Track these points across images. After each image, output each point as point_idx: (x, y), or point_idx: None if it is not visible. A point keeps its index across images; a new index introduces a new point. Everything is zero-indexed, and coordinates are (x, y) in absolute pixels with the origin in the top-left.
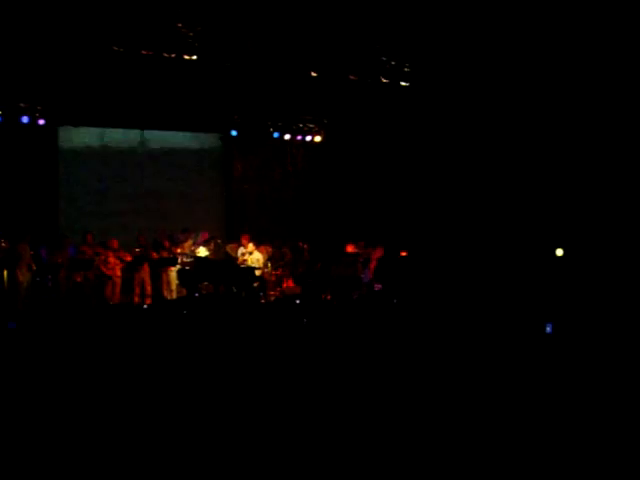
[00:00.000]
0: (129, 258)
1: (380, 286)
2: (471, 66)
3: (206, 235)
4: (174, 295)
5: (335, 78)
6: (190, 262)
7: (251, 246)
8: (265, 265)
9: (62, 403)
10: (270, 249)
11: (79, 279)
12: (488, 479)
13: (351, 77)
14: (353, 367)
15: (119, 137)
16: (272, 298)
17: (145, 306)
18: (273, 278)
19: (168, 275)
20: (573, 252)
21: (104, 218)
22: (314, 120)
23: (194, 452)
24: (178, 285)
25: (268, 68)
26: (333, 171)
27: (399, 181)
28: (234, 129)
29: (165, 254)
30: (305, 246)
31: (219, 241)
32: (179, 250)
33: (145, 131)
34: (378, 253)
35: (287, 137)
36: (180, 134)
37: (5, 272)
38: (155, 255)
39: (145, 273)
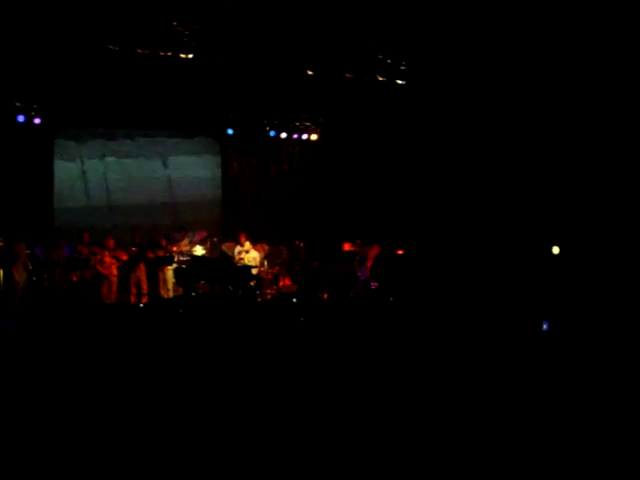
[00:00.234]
0: (125, 257)
1: (377, 284)
2: (467, 64)
3: (203, 234)
4: (171, 294)
5: (331, 76)
6: (186, 261)
7: (248, 245)
8: (261, 263)
9: (60, 403)
10: (267, 247)
11: (75, 278)
12: (486, 478)
13: (347, 75)
14: (350, 365)
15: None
16: (269, 296)
17: (141, 305)
18: (270, 276)
19: (165, 274)
20: (569, 250)
21: (100, 217)
22: (310, 118)
23: (191, 451)
24: (174, 284)
25: (264, 66)
26: (329, 169)
27: (396, 179)
28: (230, 128)
29: (161, 253)
30: (302, 244)
31: (215, 240)
32: (175, 249)
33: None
34: (375, 251)
35: (283, 135)
36: (175, 132)
37: (1, 271)
38: (151, 254)
39: (141, 272)
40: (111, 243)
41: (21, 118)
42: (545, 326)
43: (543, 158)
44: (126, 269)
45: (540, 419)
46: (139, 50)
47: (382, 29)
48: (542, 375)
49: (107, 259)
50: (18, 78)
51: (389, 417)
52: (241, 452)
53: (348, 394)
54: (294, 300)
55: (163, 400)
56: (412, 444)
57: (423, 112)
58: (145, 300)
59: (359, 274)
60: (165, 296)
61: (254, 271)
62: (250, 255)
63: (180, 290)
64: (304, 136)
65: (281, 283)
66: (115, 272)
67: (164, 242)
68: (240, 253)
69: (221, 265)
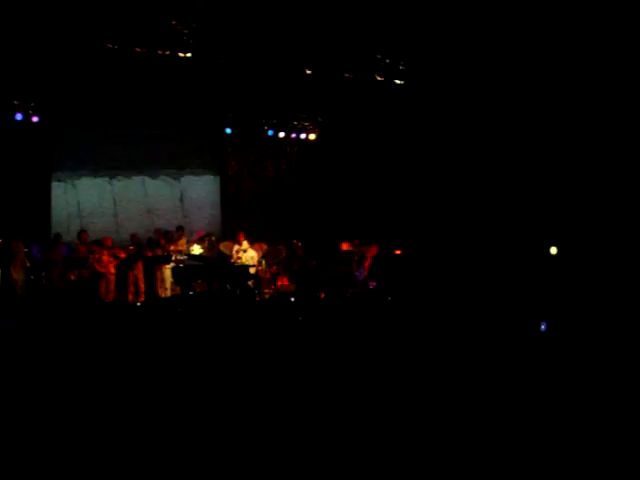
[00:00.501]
0: (123, 255)
1: (375, 284)
2: (466, 64)
3: (200, 233)
4: (168, 293)
5: (330, 76)
6: (184, 260)
7: (245, 244)
8: (259, 263)
9: (57, 401)
10: (265, 247)
11: (73, 277)
12: (484, 477)
13: (346, 75)
14: (348, 365)
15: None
16: (266, 296)
17: (138, 304)
18: (267, 276)
19: (162, 273)
20: (567, 250)
21: (98, 216)
22: (308, 118)
23: (190, 450)
24: (172, 283)
25: (263, 66)
26: (328, 169)
27: (394, 179)
28: (228, 127)
29: (159, 252)
30: (300, 244)
31: (213, 239)
32: (173, 248)
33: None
34: (373, 251)
35: (281, 135)
36: (174, 131)
37: None
38: (150, 253)
39: (139, 271)
40: (109, 242)
41: (19, 116)
42: (543, 326)
43: (541, 158)
44: (124, 268)
45: (538, 419)
46: (138, 49)
47: (381, 29)
48: (540, 375)
49: (105, 258)
50: (16, 76)
51: (388, 417)
52: (239, 451)
53: (346, 394)
54: (292, 299)
55: (161, 399)
56: (411, 443)
57: (421, 112)
58: (143, 299)
59: (357, 274)
60: (163, 295)
61: (252, 270)
62: (248, 254)
63: (178, 289)
64: (302, 135)
65: (279, 282)
66: (113, 271)
67: (162, 241)
68: (238, 252)
69: (219, 264)
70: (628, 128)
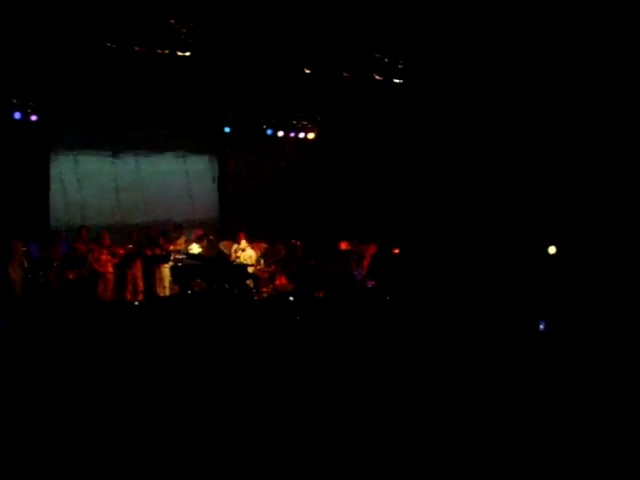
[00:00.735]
0: (122, 251)
1: (373, 283)
2: (464, 64)
3: (199, 232)
4: (167, 292)
5: (328, 75)
6: (183, 259)
7: (244, 243)
8: (258, 262)
9: (56, 401)
10: (264, 246)
11: (71, 276)
12: (482, 476)
13: (344, 74)
14: (346, 364)
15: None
16: (265, 295)
17: (136, 303)
18: (266, 275)
19: (161, 272)
20: (566, 249)
21: (96, 215)
22: (307, 117)
23: (187, 448)
24: (171, 282)
25: (261, 65)
26: (326, 168)
27: (392, 178)
28: (227, 126)
29: (158, 251)
30: (298, 243)
31: (212, 238)
32: (172, 247)
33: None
34: (371, 250)
35: (280, 134)
36: (172, 130)
37: None
38: (149, 251)
39: (138, 270)
40: (107, 240)
41: (18, 115)
42: (542, 326)
43: (539, 157)
44: (122, 267)
45: (537, 418)
46: (136, 48)
47: (379, 28)
48: (539, 374)
49: (104, 257)
50: (15, 75)
51: (386, 416)
52: (237, 450)
53: (344, 393)
54: (290, 299)
55: (159, 398)
56: (409, 442)
57: (420, 111)
58: (141, 298)
59: (355, 273)
60: (161, 294)
61: (250, 270)
62: (246, 254)
63: (176, 288)
64: (301, 135)
65: (277, 282)
66: (111, 270)
67: (161, 240)
68: (237, 252)
69: (217, 263)
70: (627, 126)
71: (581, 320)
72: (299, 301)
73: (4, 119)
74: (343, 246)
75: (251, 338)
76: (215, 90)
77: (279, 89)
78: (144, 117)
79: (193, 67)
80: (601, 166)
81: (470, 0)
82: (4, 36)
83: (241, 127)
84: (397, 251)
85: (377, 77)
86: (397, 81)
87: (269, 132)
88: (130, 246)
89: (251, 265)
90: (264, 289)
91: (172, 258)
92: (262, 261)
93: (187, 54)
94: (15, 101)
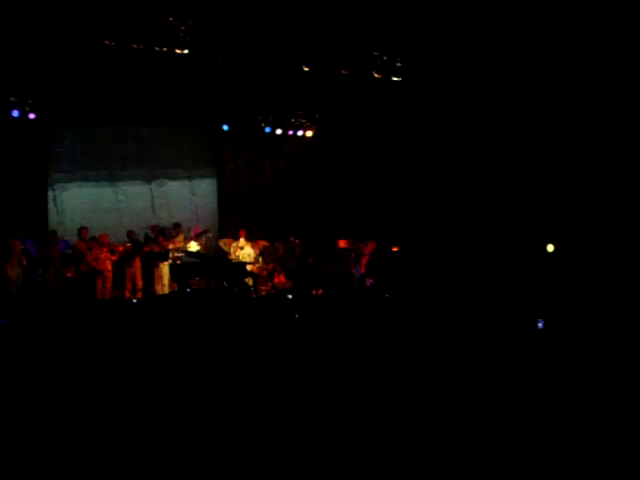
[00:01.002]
0: (121, 248)
1: (372, 281)
2: (463, 61)
3: (198, 230)
4: (166, 290)
5: (327, 73)
6: (181, 257)
7: (242, 241)
8: (256, 260)
9: (54, 399)
10: (264, 244)
11: (70, 274)
12: (481, 476)
13: (343, 72)
14: (345, 362)
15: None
16: (263, 293)
17: (135, 301)
18: (264, 273)
19: (160, 270)
20: (564, 248)
21: (95, 213)
22: (306, 115)
23: (186, 447)
24: (169, 280)
25: (260, 62)
26: (325, 166)
27: (391, 176)
28: (226, 124)
29: (156, 249)
30: (297, 241)
31: (211, 235)
32: (170, 245)
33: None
34: (370, 248)
35: (279, 132)
36: (171, 129)
37: None
38: (146, 248)
39: (136, 268)
40: (105, 239)
41: (16, 113)
42: (540, 324)
43: (538, 155)
44: (121, 265)
45: (535, 417)
46: (134, 45)
47: (378, 26)
48: (537, 373)
49: (103, 255)
50: (12, 73)
51: (385, 413)
52: (236, 448)
53: (343, 391)
54: (289, 297)
55: (158, 396)
56: (408, 440)
57: (419, 109)
58: (140, 296)
59: (354, 271)
60: (160, 292)
61: (249, 267)
62: (245, 251)
63: (175, 286)
64: (299, 133)
65: (276, 280)
66: (110, 268)
67: (160, 238)
68: (236, 250)
69: (216, 261)
70: (625, 125)
71: (579, 318)
72: (298, 299)
73: (2, 117)
74: (342, 244)
75: (250, 336)
76: (213, 88)
77: (277, 87)
78: (142, 115)
79: (191, 65)
80: (599, 164)
81: None
82: (2, 34)
83: (239, 125)
84: (396, 249)
85: (375, 75)
86: (396, 79)
87: (267, 130)
88: (128, 244)
89: (250, 263)
90: (263, 287)
91: (171, 256)
92: (261, 259)
93: (185, 52)
94: (13, 99)
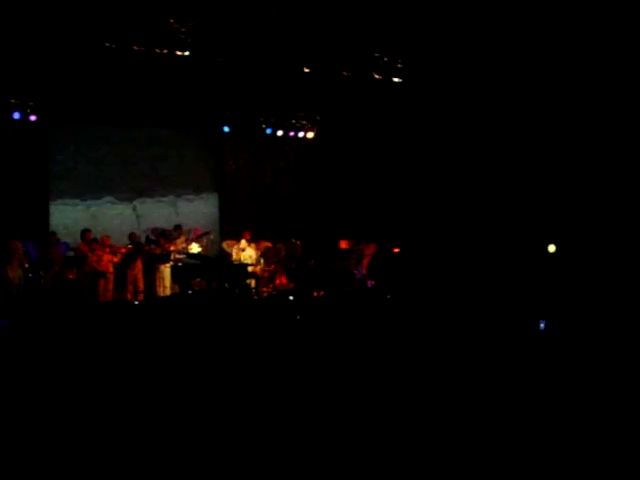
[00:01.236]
0: (123, 250)
1: (373, 282)
2: (464, 63)
3: (199, 231)
4: (167, 292)
5: (328, 74)
6: (183, 259)
7: (244, 242)
8: (258, 261)
9: (55, 401)
10: (266, 245)
11: (71, 276)
12: (481, 476)
13: (344, 73)
14: (347, 363)
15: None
16: (265, 294)
17: (136, 302)
18: (266, 274)
19: (161, 272)
20: (566, 248)
21: (96, 215)
22: (307, 116)
23: (187, 448)
24: (171, 282)
25: (261, 64)
26: (326, 167)
27: (392, 177)
28: (227, 125)
29: (158, 251)
30: (298, 242)
31: (212, 237)
32: (172, 247)
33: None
34: (371, 249)
35: (280, 133)
36: (172, 130)
37: None
38: (146, 248)
39: (138, 270)
40: (107, 241)
41: (17, 115)
42: (542, 325)
43: (539, 156)
44: (123, 267)
45: (537, 417)
46: (135, 47)
47: (379, 27)
48: (539, 374)
49: (105, 257)
50: (14, 75)
51: (386, 415)
52: (237, 449)
53: (344, 392)
54: (290, 298)
55: (160, 397)
56: (410, 441)
57: (419, 110)
58: (141, 298)
59: (356, 272)
60: (161, 294)
61: (250, 269)
62: (246, 253)
63: (176, 288)
64: (300, 134)
65: (277, 281)
66: (111, 269)
67: (161, 240)
68: (238, 251)
69: (217, 263)
70: (626, 125)
71: (581, 319)
72: (299, 300)
73: (3, 119)
74: (343, 245)
75: (251, 337)
76: (214, 89)
77: (278, 88)
78: (143, 116)
79: (192, 66)
80: (600, 164)
81: None
82: (3, 36)
83: (240, 126)
84: (397, 250)
85: (376, 76)
86: (396, 80)
87: (268, 131)
88: (130, 246)
89: (251, 264)
90: (264, 288)
91: (172, 258)
92: (262, 260)
93: (186, 53)
94: (14, 101)
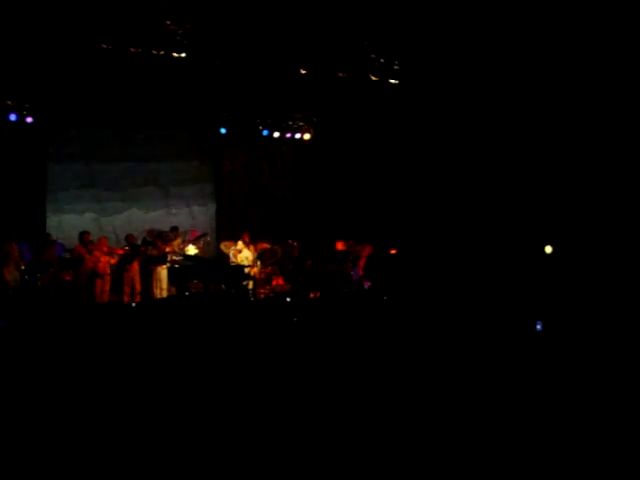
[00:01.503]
0: (121, 251)
1: (370, 284)
2: (460, 64)
3: (196, 233)
4: (164, 293)
5: (324, 76)
6: (179, 260)
7: (241, 244)
8: (255, 263)
9: (53, 402)
10: (263, 246)
11: (68, 278)
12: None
13: (340, 75)
14: (343, 365)
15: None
16: (262, 296)
17: (133, 304)
18: (263, 276)
19: (158, 273)
20: (562, 249)
21: (93, 217)
22: (303, 118)
23: (184, 449)
24: (168, 283)
25: (257, 65)
26: (322, 169)
27: (388, 179)
28: (223, 127)
29: (155, 252)
30: (295, 244)
31: (209, 239)
32: (168, 249)
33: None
34: (367, 251)
35: (276, 135)
36: (169, 132)
37: None
38: (142, 248)
39: (135, 272)
40: (104, 242)
41: (13, 117)
42: (539, 326)
43: (535, 157)
44: (120, 268)
45: (534, 418)
46: (132, 49)
47: (375, 28)
48: (535, 375)
49: (103, 257)
50: (10, 77)
51: (383, 416)
52: (234, 451)
53: (341, 393)
54: (287, 299)
55: (157, 399)
56: (406, 442)
57: (416, 112)
58: (138, 299)
59: (352, 273)
60: (158, 295)
61: (247, 270)
62: (243, 255)
63: (173, 290)
64: (297, 135)
65: (274, 282)
66: (108, 271)
67: (158, 242)
68: (235, 253)
69: (213, 265)
70: (624, 125)
71: (578, 320)
72: (296, 302)
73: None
74: (339, 246)
75: (248, 339)
76: (211, 91)
77: (275, 90)
78: (140, 118)
79: (189, 68)
80: (597, 165)
81: (466, 0)
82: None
83: (237, 128)
84: (394, 252)
85: (373, 78)
86: (393, 81)
87: (265, 133)
88: (127, 247)
89: (248, 266)
90: (261, 290)
91: (169, 259)
92: (259, 262)
93: (183, 55)
94: (10, 103)
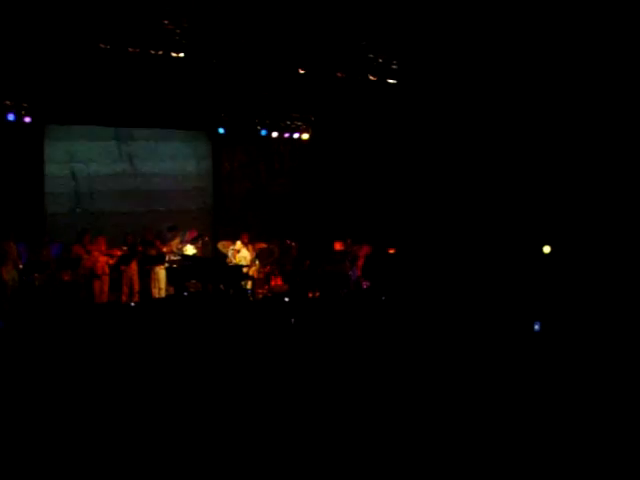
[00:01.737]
0: (119, 252)
1: (368, 283)
2: (459, 64)
3: (194, 233)
4: (163, 293)
5: (322, 75)
6: (178, 260)
7: (239, 244)
8: (253, 263)
9: (51, 402)
10: (261, 246)
11: (66, 277)
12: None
13: (338, 74)
14: (342, 365)
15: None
16: (260, 296)
17: (132, 304)
18: (261, 276)
19: (156, 273)
20: (561, 249)
21: (91, 217)
22: (301, 118)
23: (182, 449)
24: (166, 283)
25: (256, 65)
26: (321, 169)
27: (387, 178)
28: (221, 127)
29: (153, 252)
30: (293, 244)
31: (207, 239)
32: (166, 249)
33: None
34: (366, 250)
35: (274, 135)
36: (167, 132)
37: None
38: (140, 248)
39: (133, 271)
40: (102, 242)
41: (11, 117)
42: (537, 326)
43: (534, 157)
44: (118, 268)
45: (532, 418)
46: (130, 49)
47: (373, 28)
48: (534, 375)
49: (102, 258)
50: (8, 76)
51: (382, 416)
52: (233, 450)
53: (340, 393)
54: (286, 299)
55: (156, 399)
56: (405, 443)
57: (414, 111)
58: (137, 299)
59: (350, 273)
60: (157, 295)
61: (245, 270)
62: (241, 254)
63: (172, 289)
64: (295, 135)
65: (273, 282)
66: (107, 271)
67: (156, 242)
68: (234, 253)
69: (212, 264)
70: (623, 125)
71: (576, 320)
72: (294, 302)
73: None
74: (338, 246)
75: (247, 339)
76: (209, 91)
77: (273, 90)
78: (138, 118)
79: (187, 68)
80: (596, 165)
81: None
82: None
83: (235, 128)
84: (392, 251)
85: (371, 77)
86: (391, 81)
87: (263, 133)
88: (125, 248)
89: (246, 266)
90: (259, 290)
91: (167, 259)
92: (257, 262)
93: (181, 55)
94: (8, 102)
